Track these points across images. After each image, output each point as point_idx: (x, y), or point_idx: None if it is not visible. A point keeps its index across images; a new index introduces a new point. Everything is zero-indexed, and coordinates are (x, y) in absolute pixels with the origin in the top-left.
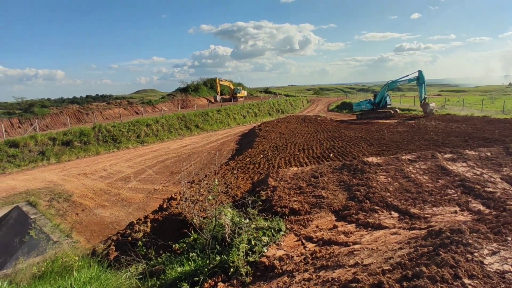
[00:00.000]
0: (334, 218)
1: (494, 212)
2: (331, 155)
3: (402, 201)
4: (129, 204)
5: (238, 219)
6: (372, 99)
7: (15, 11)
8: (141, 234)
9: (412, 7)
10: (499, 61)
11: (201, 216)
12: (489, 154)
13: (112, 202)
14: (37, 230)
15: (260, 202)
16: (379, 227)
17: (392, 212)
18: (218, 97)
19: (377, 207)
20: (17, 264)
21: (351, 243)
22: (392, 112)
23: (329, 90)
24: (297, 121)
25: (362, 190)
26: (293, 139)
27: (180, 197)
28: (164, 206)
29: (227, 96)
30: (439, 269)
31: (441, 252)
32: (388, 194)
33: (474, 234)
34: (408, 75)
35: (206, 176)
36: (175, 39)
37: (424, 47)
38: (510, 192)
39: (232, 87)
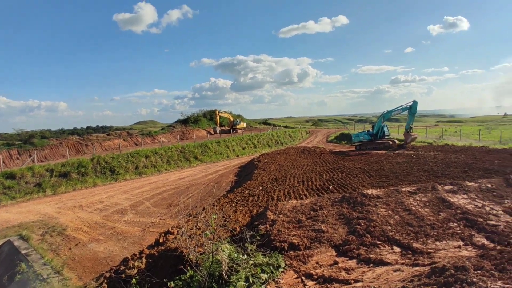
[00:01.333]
0: (334, 253)
1: (499, 247)
2: (331, 187)
3: (404, 235)
4: (125, 238)
5: (236, 255)
6: (371, 130)
7: (21, 44)
8: (136, 270)
9: (405, 41)
10: (492, 92)
11: (198, 252)
12: (489, 185)
13: (107, 236)
14: (28, 266)
15: (258, 237)
16: (381, 263)
17: (394, 247)
18: (218, 129)
19: (378, 242)
20: None
21: (352, 281)
22: (391, 142)
23: (328, 121)
24: (296, 153)
25: (362, 224)
26: (292, 171)
27: (177, 231)
28: (161, 240)
29: (227, 128)
30: None
31: None
32: (389, 227)
33: (479, 271)
34: (402, 105)
35: (204, 209)
36: (176, 72)
37: (419, 79)
38: None
39: (232, 118)
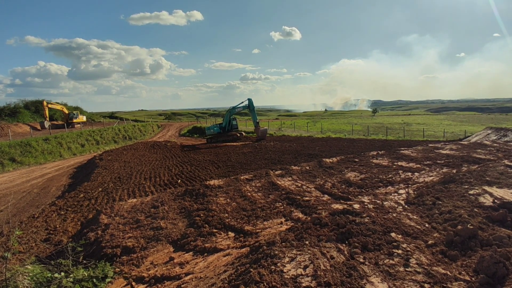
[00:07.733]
0: (172, 249)
1: (309, 218)
2: (179, 181)
3: (238, 220)
4: None
5: (49, 274)
6: (222, 123)
7: None
8: None
9: (253, 43)
10: (312, 92)
11: None
12: (308, 168)
13: None
14: None
15: (80, 248)
16: (215, 250)
17: (229, 233)
18: (47, 124)
19: (215, 230)
20: None
21: (183, 275)
22: (238, 135)
23: (181, 115)
24: (145, 148)
25: (202, 215)
26: (139, 168)
27: None
28: None
29: (60, 122)
30: None
31: (251, 269)
32: (226, 215)
33: (283, 243)
34: (243, 102)
35: (21, 223)
36: None
37: (264, 77)
38: (321, 198)
39: (66, 111)
